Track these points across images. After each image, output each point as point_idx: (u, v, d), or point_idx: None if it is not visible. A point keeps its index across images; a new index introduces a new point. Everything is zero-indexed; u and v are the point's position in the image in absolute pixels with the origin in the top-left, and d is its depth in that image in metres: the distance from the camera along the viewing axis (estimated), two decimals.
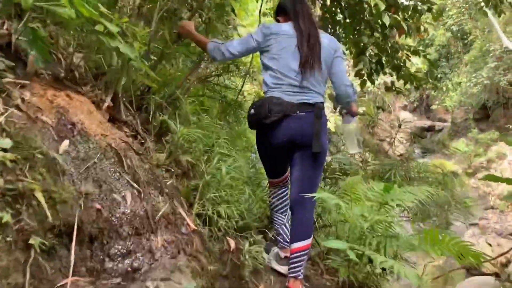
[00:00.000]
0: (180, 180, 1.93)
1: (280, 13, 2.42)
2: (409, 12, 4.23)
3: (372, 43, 4.11)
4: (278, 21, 2.44)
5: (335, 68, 2.29)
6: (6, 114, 1.26)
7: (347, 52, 5.15)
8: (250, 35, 2.33)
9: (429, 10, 4.27)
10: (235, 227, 1.88)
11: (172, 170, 1.89)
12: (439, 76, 14.94)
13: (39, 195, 1.14)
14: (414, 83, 4.81)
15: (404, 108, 19.89)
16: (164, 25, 3.10)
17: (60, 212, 1.19)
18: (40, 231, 1.12)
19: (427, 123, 18.25)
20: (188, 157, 1.93)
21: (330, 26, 4.71)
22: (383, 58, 4.42)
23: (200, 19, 4.09)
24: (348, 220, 2.09)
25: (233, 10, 5.07)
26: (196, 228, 1.60)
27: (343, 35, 4.69)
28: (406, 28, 3.87)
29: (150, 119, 2.11)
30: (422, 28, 4.61)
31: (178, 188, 1.79)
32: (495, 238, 8.55)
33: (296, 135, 2.17)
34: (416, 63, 12.11)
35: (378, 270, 2.46)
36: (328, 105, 11.31)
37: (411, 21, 4.24)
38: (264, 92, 2.30)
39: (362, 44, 4.31)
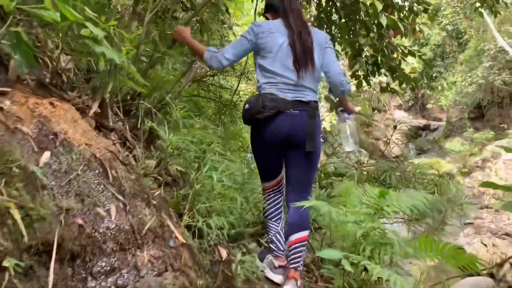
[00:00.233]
0: (169, 190, 1.87)
1: (269, 10, 2.41)
2: (404, 12, 4.19)
3: (368, 44, 4.06)
4: (266, 18, 2.42)
5: (326, 59, 2.30)
6: None
7: (343, 53, 5.12)
8: (242, 37, 2.31)
9: (425, 11, 4.23)
10: (227, 238, 1.82)
11: (161, 179, 1.83)
12: (434, 75, 14.97)
13: (15, 213, 1.07)
14: (410, 84, 4.78)
15: (399, 107, 19.92)
16: (157, 26, 3.03)
17: (38, 230, 1.13)
18: (16, 251, 1.06)
19: (422, 122, 18.28)
20: (177, 166, 1.87)
21: (325, 26, 4.66)
22: (379, 59, 4.38)
23: (194, 19, 4.03)
24: (341, 229, 2.04)
25: (227, 10, 5.02)
26: (185, 241, 1.53)
27: (339, 35, 4.64)
28: (403, 28, 3.83)
29: (139, 125, 2.04)
30: (417, 28, 4.57)
31: (167, 198, 1.73)
32: (490, 238, 8.55)
33: (290, 133, 2.16)
34: (412, 63, 12.11)
35: (374, 278, 2.42)
36: (324, 105, 11.27)
37: (406, 21, 4.20)
38: (258, 90, 2.27)
39: (357, 44, 4.27)
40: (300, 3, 2.43)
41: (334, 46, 4.85)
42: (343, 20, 4.46)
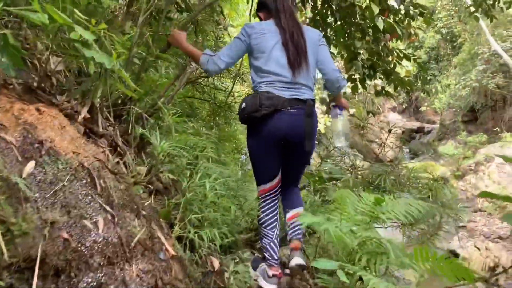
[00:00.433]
0: (160, 198, 1.82)
1: (261, 9, 2.42)
2: (400, 16, 4.17)
3: (364, 48, 4.04)
4: (259, 17, 2.45)
5: (321, 56, 2.33)
6: None
7: (338, 55, 5.08)
8: (236, 38, 2.32)
9: (421, 14, 4.21)
10: (219, 250, 1.77)
11: (152, 187, 1.78)
12: (428, 78, 15.03)
13: None
14: (405, 88, 4.76)
15: (393, 109, 19.98)
16: (151, 27, 2.97)
17: (20, 246, 1.07)
18: None
19: (416, 124, 18.36)
20: (169, 173, 1.82)
21: (321, 29, 4.63)
22: (374, 61, 4.35)
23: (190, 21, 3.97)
24: (336, 243, 2.00)
25: (222, 12, 4.97)
26: (175, 253, 1.48)
27: (334, 37, 4.61)
28: (400, 32, 3.81)
29: (130, 131, 1.99)
30: (412, 32, 4.56)
31: (157, 209, 1.67)
32: (484, 241, 8.58)
33: (288, 132, 2.16)
34: (406, 65, 12.12)
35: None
36: (319, 107, 11.26)
37: (401, 24, 4.18)
38: (255, 90, 2.27)
39: (353, 48, 4.24)
40: (294, 3, 2.42)
41: (329, 48, 4.86)
42: (338, 22, 4.43)
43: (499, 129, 12.43)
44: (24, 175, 1.21)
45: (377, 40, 4.22)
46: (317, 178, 3.24)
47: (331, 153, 5.16)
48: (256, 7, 2.55)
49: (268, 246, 2.33)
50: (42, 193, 1.23)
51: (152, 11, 2.84)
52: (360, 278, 2.30)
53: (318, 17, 4.56)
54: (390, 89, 5.30)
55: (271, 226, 2.36)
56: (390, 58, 4.52)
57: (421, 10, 4.20)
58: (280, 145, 2.24)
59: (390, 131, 5.22)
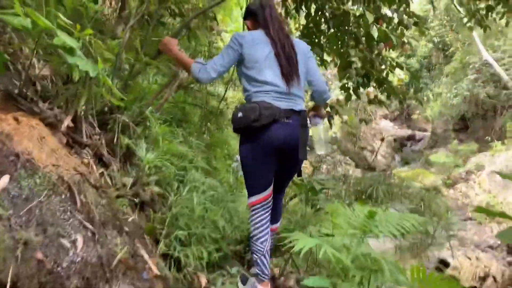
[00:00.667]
0: (146, 211, 1.74)
1: (249, 17, 2.41)
2: (392, 24, 4.15)
3: (358, 56, 4.00)
4: (246, 25, 2.43)
5: (311, 68, 2.37)
6: None
7: (331, 63, 5.05)
8: (228, 47, 2.26)
9: (416, 24, 4.19)
10: (206, 266, 1.69)
11: (136, 200, 1.70)
12: (420, 86, 15.12)
13: None
14: (398, 97, 4.74)
15: (385, 116, 20.04)
16: (143, 31, 2.90)
17: None
18: None
19: (407, 132, 18.41)
20: (155, 186, 1.74)
21: (314, 36, 4.59)
22: (368, 70, 4.32)
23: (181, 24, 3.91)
24: (332, 261, 1.94)
25: (215, 17, 4.92)
26: (159, 273, 1.40)
27: (327, 45, 4.58)
28: (394, 41, 3.78)
29: (115, 141, 1.91)
30: (406, 41, 4.54)
31: (141, 225, 1.59)
32: (474, 251, 8.56)
33: (285, 142, 2.16)
34: (399, 74, 12.18)
35: None
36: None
37: (394, 33, 4.15)
38: (248, 99, 2.24)
39: (347, 56, 4.20)
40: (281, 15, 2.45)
41: (322, 56, 4.84)
42: (332, 30, 4.40)
43: (489, 138, 12.50)
44: None
45: (371, 49, 4.19)
46: (309, 189, 3.18)
47: (324, 160, 5.12)
48: (243, 14, 2.52)
49: (259, 260, 2.26)
50: (16, 210, 1.14)
51: (144, 15, 2.77)
52: None
53: (311, 24, 4.53)
54: (383, 97, 5.28)
55: (262, 239, 2.29)
56: (383, 67, 4.50)
57: (416, 19, 4.18)
58: (275, 155, 2.22)
59: (382, 139, 5.19)
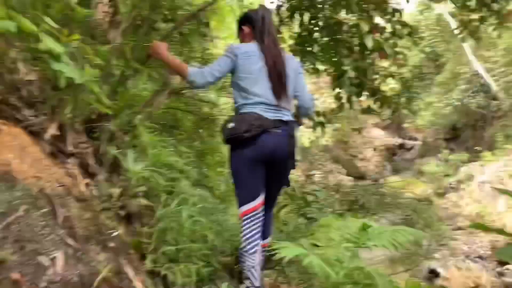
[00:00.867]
0: (133, 224, 1.67)
1: (246, 22, 2.43)
2: (386, 34, 4.14)
3: (352, 66, 3.99)
4: (241, 30, 2.46)
5: (299, 84, 2.44)
6: None
7: (324, 71, 5.03)
8: (225, 56, 2.28)
9: (409, 34, 4.19)
10: (194, 284, 1.62)
11: (123, 213, 1.63)
12: (412, 96, 15.19)
13: None
14: (391, 107, 4.74)
15: (376, 125, 20.13)
16: (135, 36, 2.84)
17: None
18: None
19: (398, 140, 18.49)
20: (143, 197, 1.67)
21: (307, 45, 4.57)
22: (362, 80, 4.30)
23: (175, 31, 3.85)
24: (321, 275, 1.88)
25: (208, 24, 4.87)
26: None
27: (321, 54, 4.56)
28: (389, 51, 3.77)
29: (103, 150, 1.84)
30: (398, 50, 4.53)
31: (127, 240, 1.52)
32: (464, 261, 8.57)
33: (275, 151, 2.19)
34: (390, 83, 12.24)
35: None
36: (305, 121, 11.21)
37: (388, 43, 4.15)
38: (237, 111, 2.26)
39: (340, 65, 4.18)
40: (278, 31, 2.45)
41: (315, 64, 4.83)
42: (325, 39, 4.39)
43: (480, 148, 12.59)
44: None
45: (365, 58, 4.19)
46: (301, 200, 3.14)
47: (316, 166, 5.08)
48: (240, 19, 2.50)
49: (249, 273, 2.20)
50: None
51: (136, 20, 2.71)
52: None
53: (305, 33, 4.51)
54: (375, 106, 5.28)
55: (253, 251, 2.24)
56: (376, 76, 4.50)
57: (409, 29, 4.18)
58: (264, 165, 2.24)
59: (374, 149, 5.17)
